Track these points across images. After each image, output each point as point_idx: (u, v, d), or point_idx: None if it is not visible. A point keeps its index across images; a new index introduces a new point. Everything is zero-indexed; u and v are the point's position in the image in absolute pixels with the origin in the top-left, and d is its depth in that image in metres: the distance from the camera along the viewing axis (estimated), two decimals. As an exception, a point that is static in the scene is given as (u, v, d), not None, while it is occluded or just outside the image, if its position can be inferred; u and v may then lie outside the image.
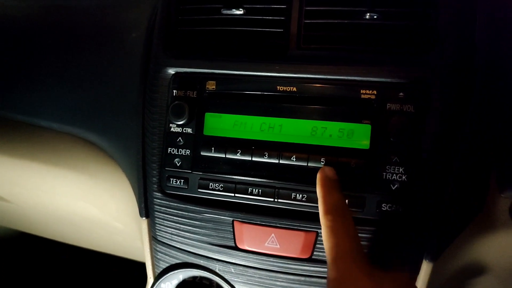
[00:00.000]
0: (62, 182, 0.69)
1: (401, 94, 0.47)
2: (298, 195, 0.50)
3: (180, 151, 0.54)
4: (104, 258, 1.19)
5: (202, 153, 0.53)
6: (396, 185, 0.47)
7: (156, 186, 0.56)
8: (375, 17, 0.50)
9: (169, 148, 0.55)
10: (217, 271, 0.55)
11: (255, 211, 0.52)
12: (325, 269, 0.48)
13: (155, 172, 0.56)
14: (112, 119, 0.62)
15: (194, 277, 0.57)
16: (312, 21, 0.52)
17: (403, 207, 0.47)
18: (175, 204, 0.55)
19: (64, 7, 0.69)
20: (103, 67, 0.63)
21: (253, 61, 0.52)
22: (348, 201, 0.48)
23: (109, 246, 1.06)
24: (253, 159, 0.51)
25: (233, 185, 0.52)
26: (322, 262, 0.50)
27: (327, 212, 0.44)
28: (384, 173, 0.48)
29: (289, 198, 0.50)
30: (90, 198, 0.70)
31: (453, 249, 0.50)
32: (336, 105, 0.49)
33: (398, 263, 0.49)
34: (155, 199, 0.56)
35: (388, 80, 0.48)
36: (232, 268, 0.54)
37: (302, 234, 0.50)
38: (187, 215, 0.55)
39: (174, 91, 0.55)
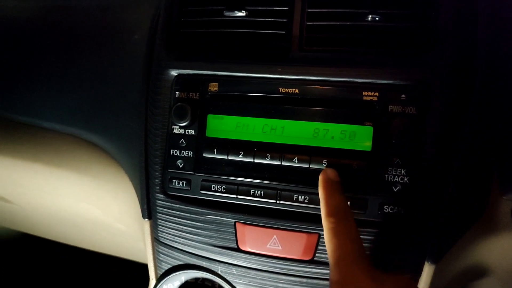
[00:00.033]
0: (64, 183, 0.69)
1: (403, 96, 0.47)
2: (300, 196, 0.50)
3: (183, 152, 0.54)
4: (106, 259, 1.19)
5: (205, 155, 0.53)
6: (398, 187, 0.47)
7: (158, 187, 0.56)
8: (377, 19, 0.50)
9: (171, 150, 0.55)
10: (219, 272, 0.55)
11: (257, 212, 0.52)
12: (327, 271, 0.48)
13: (157, 173, 0.56)
14: (114, 120, 0.62)
15: (196, 279, 0.57)
16: (314, 23, 0.52)
17: (405, 209, 0.47)
18: (178, 206, 0.55)
19: (64, 8, 0.69)
20: (104, 68, 0.63)
21: (255, 63, 0.52)
22: (350, 203, 0.48)
23: (112, 248, 1.06)
24: (255, 160, 0.51)
25: (235, 186, 0.53)
26: (324, 264, 0.50)
27: (329, 214, 0.44)
28: (386, 175, 0.48)
29: (291, 200, 0.51)
30: (93, 199, 0.70)
31: (455, 251, 0.50)
32: (338, 107, 0.49)
33: (400, 265, 0.49)
34: (157, 201, 0.56)
35: (390, 82, 0.48)
36: (234, 270, 0.54)
37: (304, 235, 0.50)
38: (190, 216, 0.55)
39: (177, 92, 0.55)
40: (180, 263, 0.57)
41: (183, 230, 0.55)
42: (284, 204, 0.51)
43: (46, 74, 0.67)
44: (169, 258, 0.58)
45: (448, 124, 0.47)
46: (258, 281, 0.53)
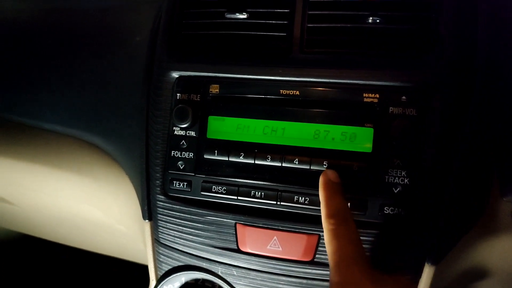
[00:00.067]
0: (65, 184, 0.69)
1: (403, 97, 0.47)
2: (300, 198, 0.50)
3: (184, 154, 0.55)
4: (106, 260, 1.19)
5: (205, 156, 0.53)
6: (398, 188, 0.48)
7: (159, 188, 0.56)
8: (377, 21, 0.50)
9: (172, 151, 0.55)
10: (219, 273, 0.55)
11: (258, 214, 0.52)
12: (328, 272, 0.48)
13: (158, 175, 0.56)
14: (115, 122, 0.62)
15: (197, 280, 0.57)
16: (315, 25, 0.52)
17: (405, 210, 0.47)
18: (178, 207, 0.55)
19: (65, 9, 0.69)
20: (105, 70, 0.63)
21: (256, 65, 0.52)
22: (350, 204, 0.48)
23: (112, 249, 1.06)
24: (256, 162, 0.51)
25: (236, 188, 0.53)
26: (324, 265, 0.50)
27: (329, 215, 0.44)
28: (387, 176, 0.48)
29: (292, 201, 0.51)
30: (94, 200, 0.70)
31: (455, 252, 0.50)
32: (339, 109, 0.50)
33: (400, 266, 0.49)
34: (158, 202, 0.56)
35: (391, 83, 0.48)
36: (234, 271, 0.54)
37: (304, 237, 0.50)
38: (190, 217, 0.55)
39: (178, 94, 0.55)
40: (180, 264, 0.57)
41: (184, 231, 0.55)
42: (284, 206, 0.51)
43: (47, 75, 0.67)
44: (169, 259, 0.58)
45: (448, 125, 0.47)
46: (258, 282, 0.53)
